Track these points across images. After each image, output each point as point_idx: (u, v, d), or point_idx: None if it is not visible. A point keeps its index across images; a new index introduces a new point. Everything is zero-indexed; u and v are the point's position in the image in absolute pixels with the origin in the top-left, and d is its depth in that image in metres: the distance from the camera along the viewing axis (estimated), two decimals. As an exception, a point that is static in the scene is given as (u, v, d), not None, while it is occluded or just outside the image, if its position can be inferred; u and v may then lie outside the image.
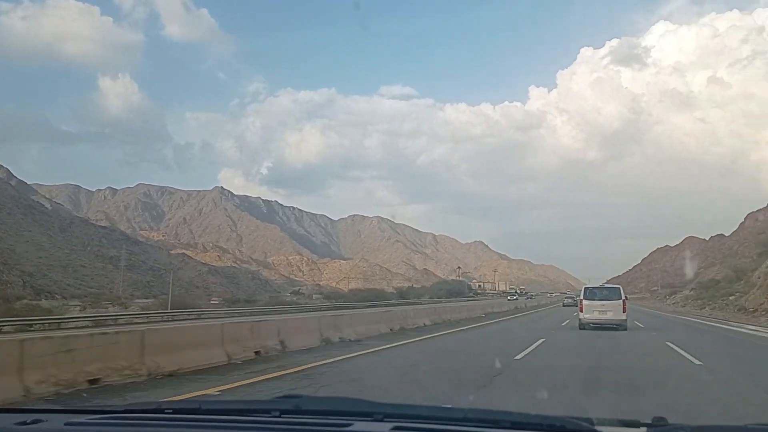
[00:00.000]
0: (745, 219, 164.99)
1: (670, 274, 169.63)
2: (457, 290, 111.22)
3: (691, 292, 71.03)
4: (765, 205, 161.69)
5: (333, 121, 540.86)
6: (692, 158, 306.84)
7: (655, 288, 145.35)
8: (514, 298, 76.91)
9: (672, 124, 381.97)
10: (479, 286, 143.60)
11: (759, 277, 39.56)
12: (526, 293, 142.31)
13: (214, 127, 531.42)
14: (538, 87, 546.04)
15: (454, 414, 1.90)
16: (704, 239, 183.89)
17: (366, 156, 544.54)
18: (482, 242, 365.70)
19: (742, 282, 50.52)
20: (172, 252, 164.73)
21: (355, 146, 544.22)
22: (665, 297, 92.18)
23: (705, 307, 50.11)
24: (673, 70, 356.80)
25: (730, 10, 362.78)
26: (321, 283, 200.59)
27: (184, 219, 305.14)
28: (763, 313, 33.97)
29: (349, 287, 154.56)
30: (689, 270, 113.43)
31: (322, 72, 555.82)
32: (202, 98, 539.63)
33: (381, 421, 1.78)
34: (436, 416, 1.86)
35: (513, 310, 44.31)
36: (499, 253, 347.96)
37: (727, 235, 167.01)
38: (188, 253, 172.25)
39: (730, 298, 46.03)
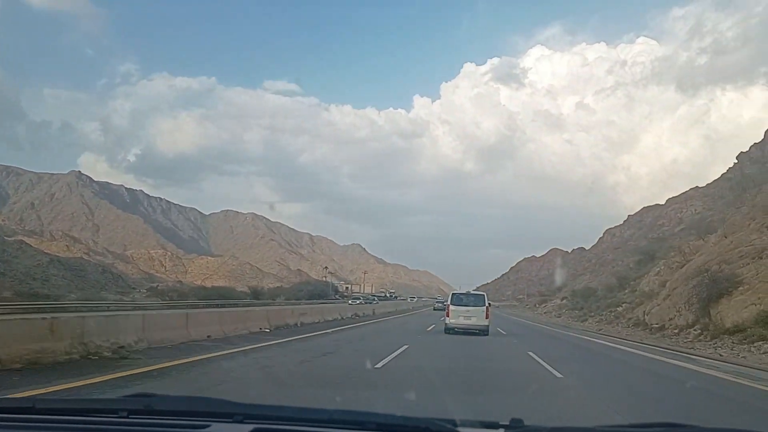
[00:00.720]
0: (603, 234, 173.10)
1: (535, 283, 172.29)
2: (321, 292, 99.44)
3: (564, 301, 64.76)
4: (621, 222, 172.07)
5: (211, 112, 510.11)
6: (559, 176, 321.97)
7: (521, 296, 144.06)
8: (357, 302, 62.99)
9: (543, 143, 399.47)
10: (347, 288, 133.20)
11: (663, 287, 31.51)
12: (394, 296, 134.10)
13: (76, 106, 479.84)
14: (422, 97, 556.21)
15: (318, 415, 1.77)
16: (567, 251, 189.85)
17: (245, 150, 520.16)
18: (359, 245, 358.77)
19: (627, 291, 43.61)
20: (9, 238, 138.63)
21: (234, 139, 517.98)
22: (535, 305, 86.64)
23: (587, 319, 42.52)
24: (547, 93, 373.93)
25: (598, 42, 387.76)
26: (184, 280, 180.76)
27: (32, 204, 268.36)
28: (676, 330, 25.50)
29: (214, 285, 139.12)
30: (558, 278, 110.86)
31: (203, 59, 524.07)
32: (65, 75, 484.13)
33: (241, 422, 1.66)
34: (300, 417, 1.75)
35: (345, 320, 29.86)
36: (375, 257, 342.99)
37: (587, 248, 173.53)
38: (29, 240, 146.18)
39: (618, 309, 38.45)
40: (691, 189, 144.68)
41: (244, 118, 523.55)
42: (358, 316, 34.22)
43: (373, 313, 40.50)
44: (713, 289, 22.96)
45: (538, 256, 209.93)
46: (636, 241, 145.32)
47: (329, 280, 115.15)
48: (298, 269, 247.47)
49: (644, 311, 31.03)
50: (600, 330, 33.19)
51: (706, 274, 23.97)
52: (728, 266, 23.87)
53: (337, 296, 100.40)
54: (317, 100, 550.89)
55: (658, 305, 28.97)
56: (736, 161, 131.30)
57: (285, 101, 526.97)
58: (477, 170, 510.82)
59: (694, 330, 23.18)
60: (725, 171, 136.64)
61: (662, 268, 38.18)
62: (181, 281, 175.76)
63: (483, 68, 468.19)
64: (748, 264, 23.24)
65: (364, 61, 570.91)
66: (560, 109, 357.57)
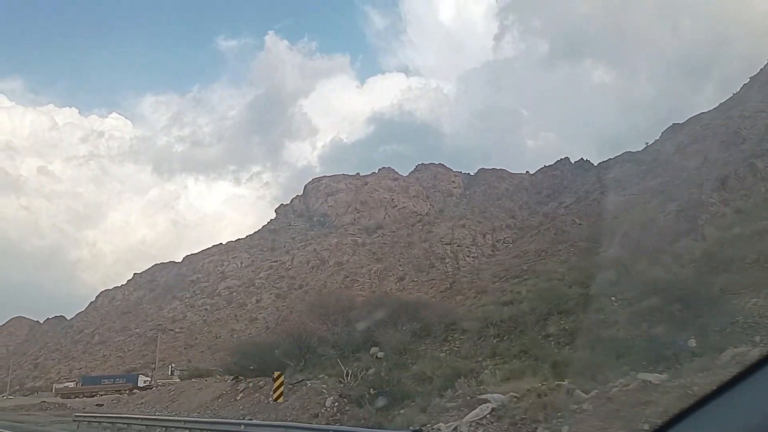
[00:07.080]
0: (96, 298, 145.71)
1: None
2: None
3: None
4: (125, 283, 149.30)
5: None
6: (11, 246, 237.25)
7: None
8: None
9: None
10: None
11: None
12: None
13: None
14: None
15: None
16: (38, 321, 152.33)
17: None
18: None
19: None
20: None
21: None
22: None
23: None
24: (6, 148, 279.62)
25: (70, 107, 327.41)
26: None
27: None
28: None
29: None
30: None
31: None
32: None
33: None
34: None
35: None
36: None
37: (70, 317, 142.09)
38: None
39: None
40: (214, 246, 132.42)
41: None
42: None
43: None
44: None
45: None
46: (154, 302, 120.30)
47: None
48: None
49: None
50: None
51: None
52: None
53: None
54: None
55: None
56: (276, 213, 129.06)
57: None
58: None
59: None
60: (266, 223, 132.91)
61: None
62: None
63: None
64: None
65: None
66: (19, 171, 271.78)
